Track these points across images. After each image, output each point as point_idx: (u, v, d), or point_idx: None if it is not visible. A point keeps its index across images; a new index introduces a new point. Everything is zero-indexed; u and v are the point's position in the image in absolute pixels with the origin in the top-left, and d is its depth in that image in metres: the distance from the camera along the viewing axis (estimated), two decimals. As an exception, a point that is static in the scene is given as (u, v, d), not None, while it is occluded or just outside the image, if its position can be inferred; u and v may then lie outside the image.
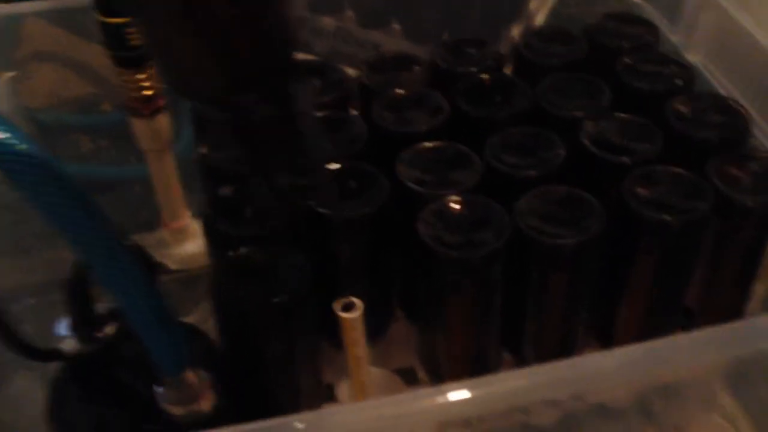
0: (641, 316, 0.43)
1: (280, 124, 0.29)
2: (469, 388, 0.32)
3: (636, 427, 0.47)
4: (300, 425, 0.31)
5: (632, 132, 0.43)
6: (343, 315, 0.38)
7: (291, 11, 0.28)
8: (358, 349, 0.42)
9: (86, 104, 0.72)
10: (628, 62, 0.47)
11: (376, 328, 0.44)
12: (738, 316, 0.44)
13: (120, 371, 0.40)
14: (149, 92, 0.49)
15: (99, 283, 0.33)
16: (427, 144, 0.42)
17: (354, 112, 0.47)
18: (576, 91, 0.45)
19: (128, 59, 0.47)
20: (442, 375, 0.43)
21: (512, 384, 0.32)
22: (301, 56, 0.43)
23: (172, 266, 0.59)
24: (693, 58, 0.54)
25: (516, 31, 0.59)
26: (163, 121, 0.51)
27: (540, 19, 0.59)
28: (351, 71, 0.50)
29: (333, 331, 0.42)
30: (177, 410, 0.35)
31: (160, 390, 0.35)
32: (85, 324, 0.38)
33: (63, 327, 0.40)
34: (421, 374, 0.46)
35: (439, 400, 0.31)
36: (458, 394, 0.32)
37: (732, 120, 0.43)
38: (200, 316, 0.56)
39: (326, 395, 0.45)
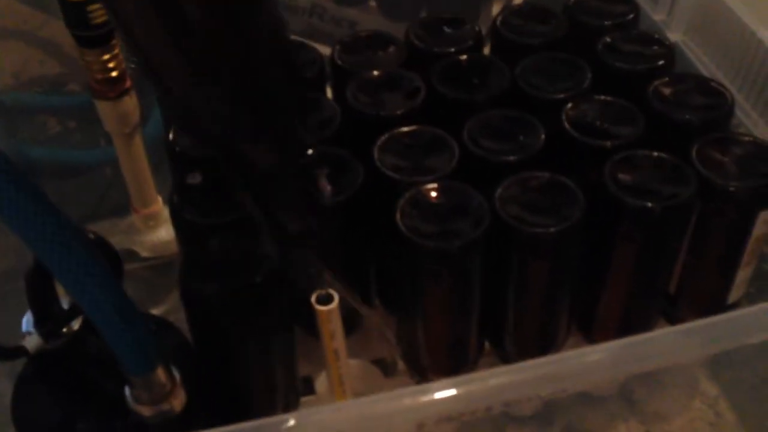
0: (623, 304, 0.42)
1: (285, 170, 0.30)
2: (453, 386, 0.31)
3: (618, 414, 0.46)
4: (281, 426, 0.30)
5: (614, 115, 0.42)
6: (320, 308, 0.37)
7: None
8: (335, 342, 0.41)
9: (53, 84, 0.70)
10: (608, 41, 0.46)
11: (352, 318, 0.43)
12: (721, 303, 0.43)
13: (86, 368, 0.38)
14: (114, 73, 0.47)
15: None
16: (403, 129, 0.41)
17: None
18: (556, 72, 0.44)
19: (91, 39, 0.45)
20: (422, 365, 0.42)
21: (495, 381, 0.31)
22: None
23: (144, 253, 0.58)
24: (674, 36, 0.53)
25: (496, 8, 0.58)
26: (130, 103, 0.49)
27: (519, -3, 0.58)
28: (326, 50, 0.48)
29: (309, 321, 0.41)
30: (146, 410, 0.34)
31: (127, 390, 0.34)
32: (47, 319, 0.37)
33: (28, 322, 0.38)
34: (401, 365, 0.45)
35: (423, 398, 0.30)
36: (442, 392, 0.31)
37: (715, 102, 0.42)
38: (172, 305, 0.54)
39: (303, 389, 0.44)
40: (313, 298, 0.37)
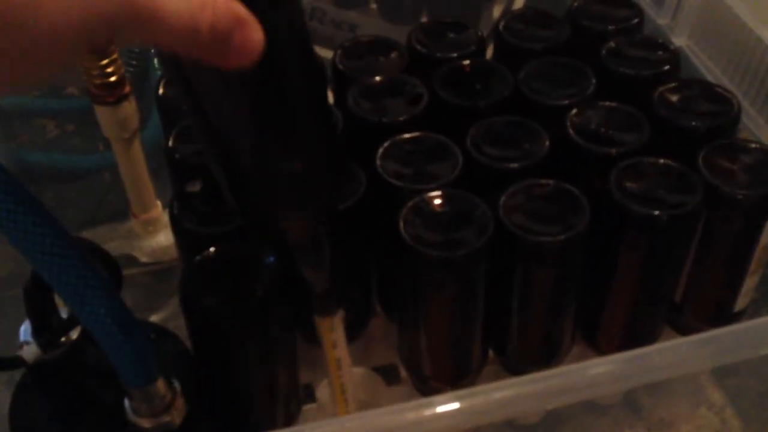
0: (628, 312, 0.42)
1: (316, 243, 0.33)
2: (456, 400, 0.30)
3: (623, 422, 0.46)
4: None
5: (618, 121, 0.41)
6: (321, 318, 0.36)
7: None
8: (337, 351, 0.41)
9: (51, 88, 0.69)
10: (612, 46, 0.45)
11: (355, 325, 0.42)
12: (728, 311, 0.42)
13: (85, 378, 0.38)
14: (113, 78, 0.47)
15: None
16: (406, 135, 0.40)
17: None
18: (560, 78, 0.44)
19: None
20: (424, 374, 0.42)
21: (500, 395, 0.30)
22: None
23: (143, 258, 0.57)
24: (679, 41, 0.52)
25: (497, 12, 0.57)
26: (129, 108, 0.49)
27: (520, 0, 0.57)
28: (326, 53, 0.48)
29: (311, 329, 0.41)
30: (145, 423, 0.33)
31: (127, 402, 0.33)
32: (46, 329, 0.36)
33: (26, 331, 0.38)
34: (403, 373, 0.44)
35: (426, 412, 0.30)
36: (446, 406, 0.30)
37: (721, 108, 0.42)
38: (172, 311, 0.54)
39: (304, 396, 0.43)
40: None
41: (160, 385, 0.33)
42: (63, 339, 0.37)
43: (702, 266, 0.41)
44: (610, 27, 0.47)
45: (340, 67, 0.46)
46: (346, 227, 0.39)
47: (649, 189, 0.38)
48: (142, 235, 0.57)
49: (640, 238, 0.38)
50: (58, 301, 0.37)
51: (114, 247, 0.57)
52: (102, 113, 0.48)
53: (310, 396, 0.44)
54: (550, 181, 0.38)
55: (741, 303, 0.42)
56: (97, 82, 0.47)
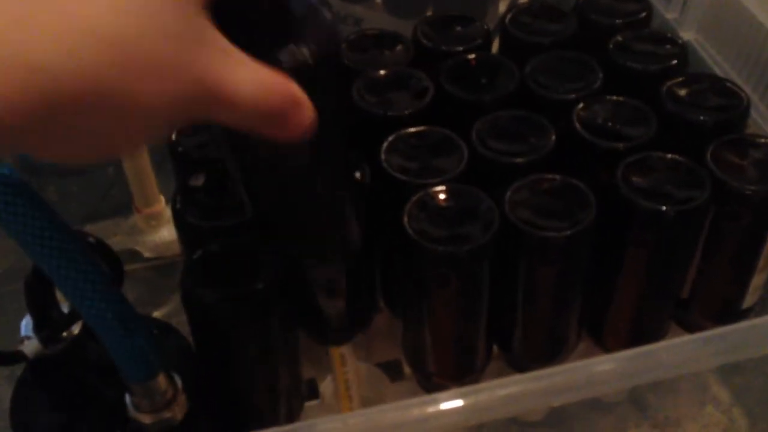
0: (634, 308, 0.41)
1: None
2: (461, 397, 0.30)
3: (628, 420, 0.45)
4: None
5: (626, 115, 0.41)
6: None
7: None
8: (341, 348, 0.40)
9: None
10: (620, 40, 0.45)
11: (358, 321, 0.42)
12: (735, 308, 0.42)
13: (86, 373, 0.37)
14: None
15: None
16: (411, 129, 0.40)
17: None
18: (566, 72, 0.43)
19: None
20: (428, 370, 0.41)
21: (504, 392, 0.30)
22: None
23: (146, 253, 0.57)
24: (687, 35, 0.52)
25: (503, 6, 0.57)
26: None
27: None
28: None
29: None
30: (146, 418, 0.33)
31: (128, 397, 0.33)
32: (47, 324, 0.36)
33: (27, 326, 0.38)
34: (407, 369, 0.44)
35: (431, 409, 0.29)
36: (450, 403, 0.30)
37: (729, 102, 0.42)
38: (175, 307, 0.53)
39: (308, 392, 0.43)
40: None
41: (162, 380, 0.33)
42: (64, 334, 0.37)
43: (710, 262, 0.41)
44: (617, 21, 0.47)
45: (345, 60, 0.45)
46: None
47: (656, 184, 0.38)
48: (146, 230, 0.57)
49: (647, 234, 0.38)
50: (59, 295, 0.37)
51: (117, 242, 0.57)
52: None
53: (313, 392, 0.44)
54: (557, 176, 0.38)
55: (749, 300, 0.42)
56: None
